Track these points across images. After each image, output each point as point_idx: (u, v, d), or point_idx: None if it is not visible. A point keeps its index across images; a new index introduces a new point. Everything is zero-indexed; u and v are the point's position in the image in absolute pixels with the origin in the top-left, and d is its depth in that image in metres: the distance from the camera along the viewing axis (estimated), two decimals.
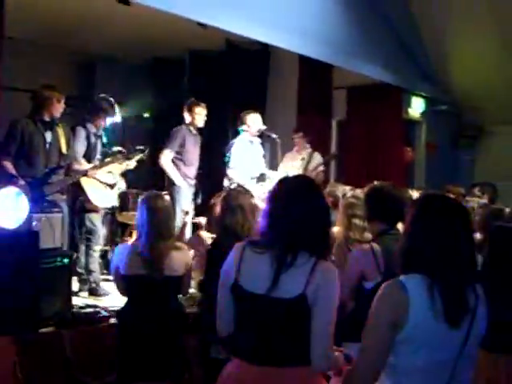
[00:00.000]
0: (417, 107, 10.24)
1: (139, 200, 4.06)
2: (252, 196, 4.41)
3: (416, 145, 10.49)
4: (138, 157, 6.32)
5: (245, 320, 2.53)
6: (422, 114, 10.37)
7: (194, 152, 6.85)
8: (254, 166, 6.82)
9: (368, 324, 2.23)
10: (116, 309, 4.95)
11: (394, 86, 9.01)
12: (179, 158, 6.72)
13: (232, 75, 9.31)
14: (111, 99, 6.17)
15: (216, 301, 2.62)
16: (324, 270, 2.40)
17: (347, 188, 5.32)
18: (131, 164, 6.30)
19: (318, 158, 7.80)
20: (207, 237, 4.98)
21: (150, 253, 3.84)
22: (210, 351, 3.82)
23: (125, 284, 4.00)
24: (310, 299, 2.36)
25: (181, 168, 6.73)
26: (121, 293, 4.14)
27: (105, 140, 6.16)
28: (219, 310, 2.60)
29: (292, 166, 7.37)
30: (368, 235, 3.83)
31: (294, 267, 2.39)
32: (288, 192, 2.53)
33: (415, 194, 5.20)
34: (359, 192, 4.29)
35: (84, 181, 5.74)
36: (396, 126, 9.51)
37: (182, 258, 3.98)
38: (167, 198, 4.18)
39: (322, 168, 7.73)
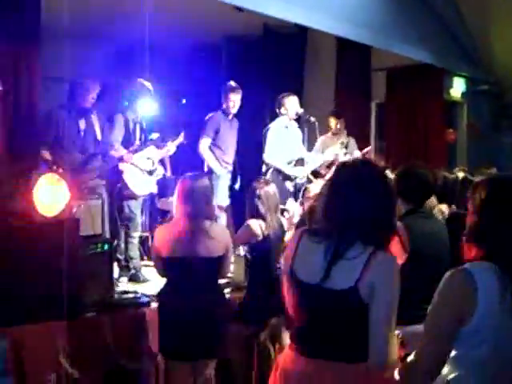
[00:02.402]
0: (458, 88, 10.02)
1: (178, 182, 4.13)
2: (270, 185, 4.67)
3: (457, 126, 10.29)
4: (177, 141, 6.32)
5: (299, 310, 2.46)
6: (464, 94, 10.15)
7: (230, 137, 6.84)
8: (291, 151, 6.78)
9: (431, 314, 2.14)
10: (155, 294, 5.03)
11: (434, 66, 8.82)
12: (215, 144, 6.72)
13: (269, 59, 9.23)
14: (148, 83, 6.17)
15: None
16: (380, 263, 2.28)
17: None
18: (171, 149, 6.32)
19: (353, 142, 7.73)
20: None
21: (187, 234, 3.89)
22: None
23: (164, 266, 4.09)
24: (364, 293, 2.26)
25: (217, 154, 6.73)
26: (160, 275, 4.24)
27: (144, 126, 6.18)
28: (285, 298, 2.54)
29: (332, 150, 7.28)
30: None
31: (348, 258, 2.29)
32: (347, 179, 2.40)
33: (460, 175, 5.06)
34: None
35: (123, 167, 5.77)
36: (437, 108, 9.32)
37: (221, 239, 3.99)
38: (206, 180, 4.19)
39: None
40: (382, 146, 9.51)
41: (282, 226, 4.86)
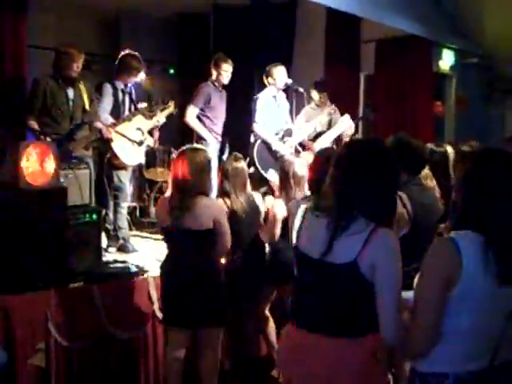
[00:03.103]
0: (447, 60, 10.01)
1: None
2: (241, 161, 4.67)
3: (446, 99, 10.30)
4: (166, 112, 6.28)
5: (300, 283, 2.55)
6: (453, 67, 10.15)
7: (220, 108, 6.81)
8: (279, 121, 6.76)
9: (420, 283, 2.19)
10: (144, 264, 5.06)
11: (423, 38, 8.79)
12: (205, 115, 6.69)
13: (258, 30, 9.16)
14: (138, 55, 6.10)
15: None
16: (381, 239, 2.31)
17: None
18: (161, 120, 6.28)
19: (337, 112, 7.67)
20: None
21: (176, 207, 3.93)
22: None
23: (162, 235, 4.24)
24: (365, 270, 2.30)
25: (207, 124, 6.70)
26: None
27: (134, 97, 6.13)
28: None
29: (320, 122, 7.24)
30: None
31: (350, 233, 2.34)
32: (352, 156, 2.44)
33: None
34: None
35: (113, 137, 5.73)
36: (426, 80, 9.32)
37: (207, 212, 3.96)
38: (203, 153, 4.13)
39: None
40: (370, 117, 9.48)
41: (252, 201, 4.75)
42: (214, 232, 4.00)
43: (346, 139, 7.02)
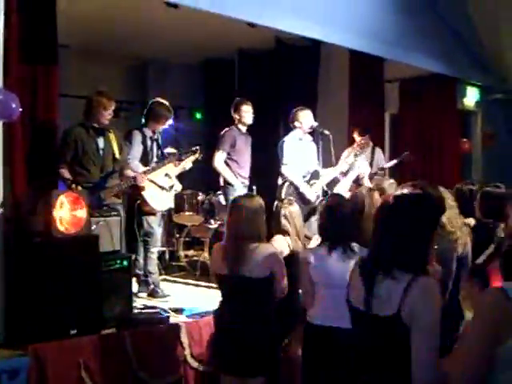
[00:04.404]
0: (472, 97, 10.01)
1: None
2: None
3: (472, 136, 10.27)
4: (192, 157, 6.35)
5: (357, 335, 2.57)
6: (477, 103, 10.14)
7: (245, 152, 6.87)
8: (305, 164, 6.79)
9: (467, 334, 2.17)
10: (174, 308, 5.08)
11: (447, 76, 8.84)
12: (231, 159, 6.75)
13: (282, 73, 9.27)
14: (167, 103, 6.20)
15: None
16: (420, 288, 2.31)
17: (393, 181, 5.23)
18: (187, 165, 6.36)
19: (379, 152, 7.74)
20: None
21: (231, 254, 3.94)
22: None
23: (216, 282, 4.23)
24: (406, 319, 2.30)
25: (234, 168, 6.76)
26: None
27: (160, 143, 6.22)
28: None
29: (346, 161, 7.24)
30: None
31: (388, 285, 2.37)
32: (381, 211, 2.54)
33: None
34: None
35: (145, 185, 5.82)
36: (451, 118, 9.33)
37: (264, 261, 3.92)
38: (257, 199, 4.13)
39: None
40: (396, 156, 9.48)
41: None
42: (270, 280, 3.95)
43: (364, 179, 7.08)
